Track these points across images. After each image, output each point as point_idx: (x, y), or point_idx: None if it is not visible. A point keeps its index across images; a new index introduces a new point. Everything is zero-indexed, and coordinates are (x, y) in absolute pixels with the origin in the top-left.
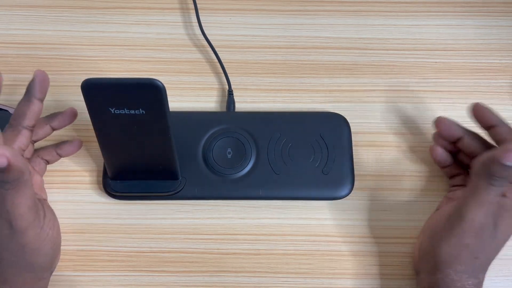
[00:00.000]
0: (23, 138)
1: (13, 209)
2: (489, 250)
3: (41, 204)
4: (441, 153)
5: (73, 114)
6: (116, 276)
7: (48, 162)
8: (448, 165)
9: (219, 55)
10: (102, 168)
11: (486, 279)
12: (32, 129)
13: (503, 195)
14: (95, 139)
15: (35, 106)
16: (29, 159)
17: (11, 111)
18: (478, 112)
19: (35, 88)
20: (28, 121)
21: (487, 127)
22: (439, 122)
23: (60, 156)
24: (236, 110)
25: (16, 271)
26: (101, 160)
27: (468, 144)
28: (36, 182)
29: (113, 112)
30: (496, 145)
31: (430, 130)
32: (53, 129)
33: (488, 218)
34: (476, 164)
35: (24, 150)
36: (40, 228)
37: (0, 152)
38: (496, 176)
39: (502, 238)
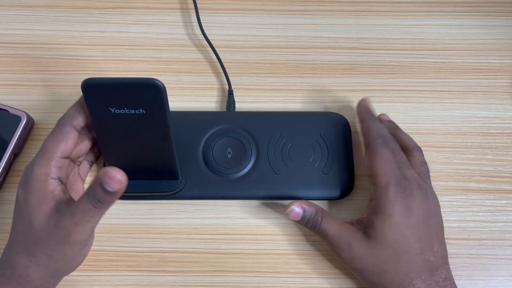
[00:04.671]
0: (83, 147)
1: (84, 224)
2: (387, 256)
3: None
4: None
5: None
6: (116, 276)
7: (92, 163)
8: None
9: (219, 55)
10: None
11: (486, 279)
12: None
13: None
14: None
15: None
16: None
17: (11, 111)
18: (358, 107)
19: None
20: (93, 134)
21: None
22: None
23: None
24: (236, 110)
25: (42, 272)
26: (101, 160)
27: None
28: (78, 187)
29: (113, 112)
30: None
31: (430, 130)
32: None
33: (350, 238)
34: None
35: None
36: (85, 245)
37: (120, 178)
38: (310, 227)
39: (388, 238)
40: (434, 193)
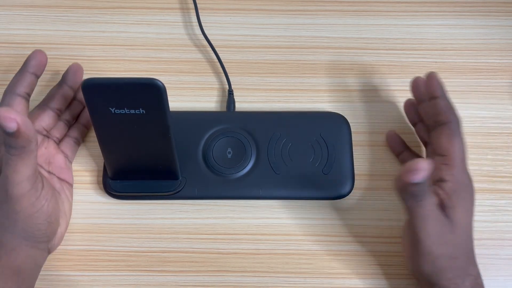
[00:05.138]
0: (46, 117)
1: (12, 175)
2: (461, 241)
3: (41, 177)
4: (393, 136)
5: (78, 68)
6: (116, 276)
7: (78, 141)
8: (401, 151)
9: (219, 55)
10: (102, 168)
11: (486, 279)
12: (58, 112)
13: (437, 188)
14: (95, 139)
15: (64, 91)
16: (59, 140)
17: None
18: (429, 81)
19: (67, 77)
20: (55, 103)
21: (430, 98)
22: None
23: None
24: (236, 110)
25: (11, 235)
26: (101, 160)
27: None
28: (57, 161)
29: (113, 112)
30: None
31: None
32: (73, 95)
33: (438, 222)
34: (395, 190)
35: (47, 130)
36: (35, 198)
37: (11, 116)
38: (416, 195)
39: (463, 222)
40: None
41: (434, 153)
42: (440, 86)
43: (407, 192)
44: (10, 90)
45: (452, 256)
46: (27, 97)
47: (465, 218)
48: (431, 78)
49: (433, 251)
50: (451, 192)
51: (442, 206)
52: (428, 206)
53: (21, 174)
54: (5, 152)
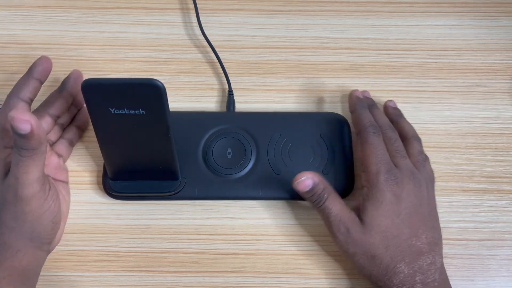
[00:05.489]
0: (44, 124)
1: (23, 176)
2: (374, 241)
3: (47, 179)
4: (352, 95)
5: (79, 75)
6: (116, 276)
7: (72, 142)
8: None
9: (219, 55)
10: (102, 168)
11: (486, 279)
12: (56, 118)
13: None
14: (95, 139)
15: (64, 98)
16: (54, 142)
17: None
18: (349, 98)
19: (68, 83)
20: (54, 110)
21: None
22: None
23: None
24: (236, 110)
25: (17, 236)
26: (101, 160)
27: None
28: (51, 162)
29: (113, 112)
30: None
31: (430, 130)
32: (72, 98)
33: (346, 223)
34: None
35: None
36: (44, 199)
37: (25, 118)
38: (314, 200)
39: (375, 223)
40: (431, 182)
41: None
42: (352, 103)
43: (306, 198)
44: (14, 94)
45: (367, 254)
46: (29, 102)
47: (376, 220)
48: (349, 97)
49: (348, 249)
50: (365, 196)
51: (358, 210)
52: (330, 209)
53: (32, 175)
54: (14, 154)
